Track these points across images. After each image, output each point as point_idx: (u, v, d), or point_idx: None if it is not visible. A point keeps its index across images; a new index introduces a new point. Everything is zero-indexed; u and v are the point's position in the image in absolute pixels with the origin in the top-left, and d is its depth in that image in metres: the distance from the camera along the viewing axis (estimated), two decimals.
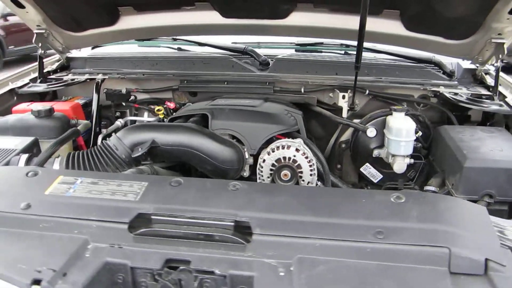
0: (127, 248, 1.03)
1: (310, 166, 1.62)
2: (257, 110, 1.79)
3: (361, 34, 1.66)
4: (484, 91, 2.03)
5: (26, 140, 1.61)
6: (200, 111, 1.81)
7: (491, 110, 1.84)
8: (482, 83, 2.13)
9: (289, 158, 1.61)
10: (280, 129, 1.70)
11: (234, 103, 1.86)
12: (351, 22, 1.93)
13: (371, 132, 1.98)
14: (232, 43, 2.36)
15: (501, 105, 1.85)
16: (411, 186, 1.95)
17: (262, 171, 1.64)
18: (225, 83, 2.12)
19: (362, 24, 1.61)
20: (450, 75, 2.14)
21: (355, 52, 2.36)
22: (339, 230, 1.04)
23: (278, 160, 1.62)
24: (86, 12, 2.01)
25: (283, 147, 1.62)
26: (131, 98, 2.26)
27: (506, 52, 1.86)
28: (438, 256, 0.95)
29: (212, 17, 2.03)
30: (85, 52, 2.48)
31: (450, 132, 1.78)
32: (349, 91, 2.01)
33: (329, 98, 2.14)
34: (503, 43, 1.85)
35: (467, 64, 2.17)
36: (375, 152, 1.99)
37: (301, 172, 1.62)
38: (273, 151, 1.63)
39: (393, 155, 1.84)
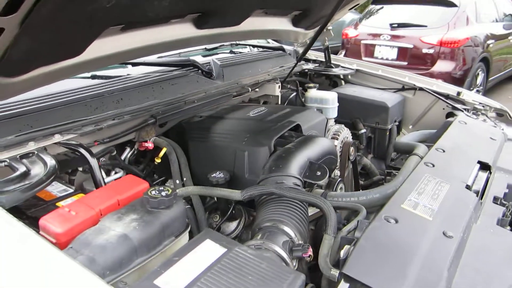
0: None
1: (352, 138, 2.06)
2: (303, 110, 1.93)
3: (318, 32, 2.16)
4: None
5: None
6: (285, 126, 1.70)
7: (348, 73, 2.78)
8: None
9: (346, 137, 1.97)
10: (327, 117, 1.97)
11: (265, 112, 1.86)
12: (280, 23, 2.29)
13: None
14: (158, 57, 2.00)
15: (345, 69, 2.83)
16: None
17: None
18: (195, 101, 1.92)
19: (323, 26, 2.13)
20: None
21: (238, 50, 2.65)
22: None
23: (342, 142, 1.94)
24: (47, 45, 1.24)
25: (341, 131, 1.95)
26: None
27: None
28: None
29: (188, 30, 1.77)
30: None
31: (343, 93, 2.60)
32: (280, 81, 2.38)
33: (254, 93, 2.38)
34: (331, 29, 2.79)
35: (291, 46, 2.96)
36: None
37: None
38: (338, 136, 1.92)
39: (329, 119, 2.47)
